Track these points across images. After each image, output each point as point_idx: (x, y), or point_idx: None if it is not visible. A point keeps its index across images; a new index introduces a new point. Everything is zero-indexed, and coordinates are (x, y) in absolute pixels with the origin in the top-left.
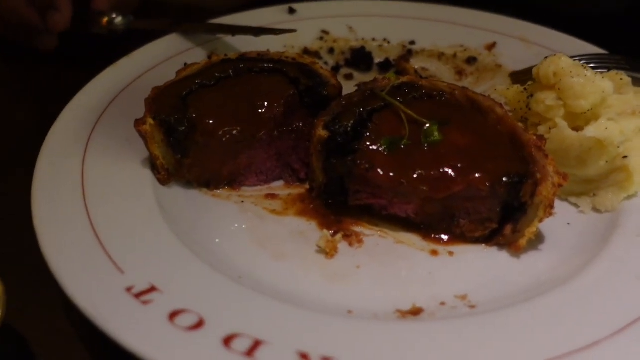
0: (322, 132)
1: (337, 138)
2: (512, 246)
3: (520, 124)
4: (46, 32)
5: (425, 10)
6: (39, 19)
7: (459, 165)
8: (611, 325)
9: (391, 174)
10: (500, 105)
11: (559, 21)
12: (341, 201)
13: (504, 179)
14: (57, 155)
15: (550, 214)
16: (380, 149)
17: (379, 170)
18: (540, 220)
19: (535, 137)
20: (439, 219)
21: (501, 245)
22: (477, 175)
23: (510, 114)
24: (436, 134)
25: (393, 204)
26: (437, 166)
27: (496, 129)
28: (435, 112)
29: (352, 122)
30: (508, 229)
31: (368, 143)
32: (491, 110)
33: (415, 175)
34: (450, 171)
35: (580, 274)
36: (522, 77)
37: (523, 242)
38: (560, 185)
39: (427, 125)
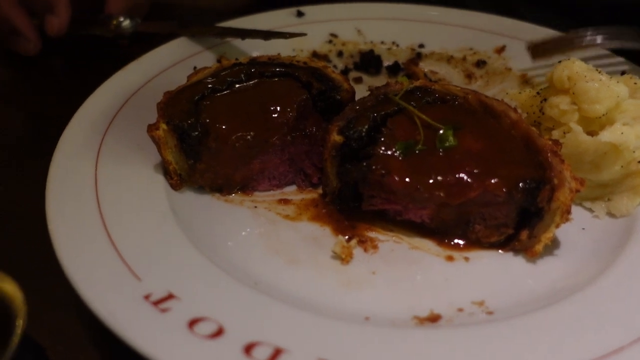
0: (336, 137)
1: (352, 143)
2: (528, 252)
3: (534, 129)
4: (30, 37)
5: (434, 13)
6: (26, 22)
7: (475, 171)
8: (630, 333)
9: (407, 180)
10: (514, 109)
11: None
12: (355, 206)
13: (521, 185)
14: (69, 161)
15: (567, 220)
16: (396, 154)
17: (394, 175)
18: (557, 226)
19: (551, 142)
20: (454, 224)
21: (517, 251)
22: (493, 180)
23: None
24: (451, 138)
25: (408, 210)
26: (453, 172)
27: (510, 134)
28: (449, 117)
29: (366, 126)
30: (524, 235)
31: (383, 148)
32: (505, 115)
33: (431, 181)
34: (466, 177)
35: (597, 280)
36: (543, 47)
37: (539, 247)
38: (577, 191)
39: (442, 130)
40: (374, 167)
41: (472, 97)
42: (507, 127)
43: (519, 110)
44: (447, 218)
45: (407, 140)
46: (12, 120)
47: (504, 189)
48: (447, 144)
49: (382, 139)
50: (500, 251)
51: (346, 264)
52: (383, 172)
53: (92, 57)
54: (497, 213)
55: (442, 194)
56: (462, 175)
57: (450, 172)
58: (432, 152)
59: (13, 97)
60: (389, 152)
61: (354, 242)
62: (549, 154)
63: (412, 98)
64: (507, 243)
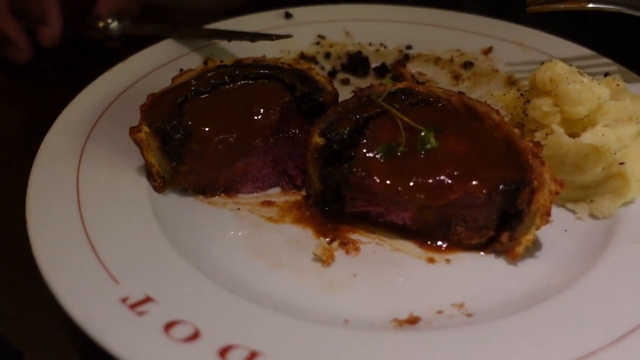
0: (318, 140)
1: (334, 145)
2: (509, 254)
3: (516, 131)
4: (21, 45)
5: (421, 14)
6: (17, 31)
7: (456, 173)
8: (610, 333)
9: (387, 182)
10: (497, 111)
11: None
12: (338, 208)
13: (501, 187)
14: (51, 163)
15: (547, 222)
16: (377, 156)
17: (375, 177)
18: (537, 228)
19: (532, 144)
20: (436, 226)
21: (498, 253)
22: (473, 182)
23: (507, 120)
24: (432, 141)
25: (389, 212)
26: (434, 174)
27: (492, 136)
28: (432, 119)
29: (348, 129)
30: (505, 237)
31: (364, 150)
32: (487, 117)
33: (411, 183)
34: (446, 179)
35: (577, 282)
36: None
37: (520, 249)
38: (557, 193)
39: (424, 132)
40: (354, 169)
41: (455, 98)
42: (489, 129)
43: (503, 112)
44: (429, 220)
45: (388, 143)
46: (11, 121)
47: (484, 191)
48: (428, 146)
49: (364, 141)
50: (481, 253)
51: (327, 267)
52: (364, 174)
53: (78, 59)
54: (478, 215)
55: (422, 196)
56: (442, 177)
57: (431, 174)
58: (414, 154)
59: (12, 98)
60: (371, 154)
61: (335, 244)
62: (529, 156)
63: (395, 100)
64: (488, 245)
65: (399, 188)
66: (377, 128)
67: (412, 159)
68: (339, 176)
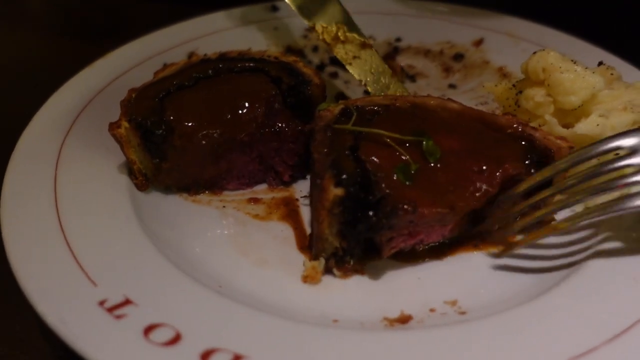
0: (337, 192)
1: (352, 191)
2: (501, 246)
3: (482, 110)
4: None
5: (411, 6)
6: None
7: (484, 167)
8: (607, 330)
9: (433, 204)
10: (449, 99)
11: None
12: (371, 257)
13: (527, 161)
14: (27, 161)
15: None
16: (403, 184)
17: (422, 208)
18: None
19: (509, 116)
20: (471, 225)
21: (489, 243)
22: (506, 166)
23: (499, 112)
24: (435, 147)
25: (430, 234)
26: (464, 177)
27: (468, 122)
28: (405, 127)
29: (353, 167)
30: None
31: (386, 183)
32: (443, 108)
33: (450, 195)
34: (478, 176)
35: (573, 276)
36: None
37: (512, 241)
38: (571, 147)
39: (423, 141)
40: (399, 207)
41: (399, 101)
42: (457, 118)
43: (495, 104)
44: (464, 223)
45: (401, 167)
46: None
47: (518, 170)
48: (437, 154)
49: (378, 174)
50: (473, 249)
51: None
52: (408, 208)
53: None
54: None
55: (465, 203)
56: (473, 176)
57: (461, 178)
58: (429, 167)
59: None
60: (397, 185)
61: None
62: (519, 127)
63: (347, 122)
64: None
65: (443, 204)
66: (369, 155)
67: (432, 172)
68: (380, 223)
